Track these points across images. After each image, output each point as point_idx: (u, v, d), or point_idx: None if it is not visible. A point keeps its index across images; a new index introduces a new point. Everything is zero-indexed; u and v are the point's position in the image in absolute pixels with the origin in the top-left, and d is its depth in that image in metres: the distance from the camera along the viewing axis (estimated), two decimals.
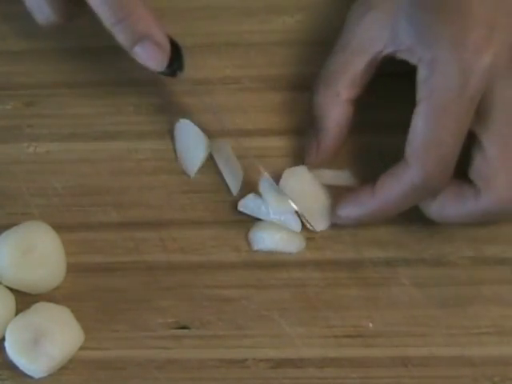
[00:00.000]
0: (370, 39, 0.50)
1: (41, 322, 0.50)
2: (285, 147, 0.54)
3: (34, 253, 0.51)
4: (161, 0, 0.56)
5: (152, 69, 0.51)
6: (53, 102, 0.56)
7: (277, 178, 0.52)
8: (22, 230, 0.51)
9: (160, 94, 0.55)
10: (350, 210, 0.50)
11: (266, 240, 0.52)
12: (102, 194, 0.54)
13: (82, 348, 0.51)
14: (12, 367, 0.50)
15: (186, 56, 0.52)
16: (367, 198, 0.49)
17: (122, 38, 0.50)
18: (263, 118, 0.55)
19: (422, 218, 0.51)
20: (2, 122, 0.56)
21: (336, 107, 0.51)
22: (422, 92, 0.47)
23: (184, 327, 0.51)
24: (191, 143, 0.54)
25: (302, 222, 0.52)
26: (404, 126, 0.48)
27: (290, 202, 0.51)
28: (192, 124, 0.54)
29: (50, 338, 0.49)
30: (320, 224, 0.52)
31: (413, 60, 0.48)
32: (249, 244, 0.52)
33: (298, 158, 0.53)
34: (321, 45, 0.55)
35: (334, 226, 0.52)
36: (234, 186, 0.53)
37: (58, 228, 0.52)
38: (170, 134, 0.55)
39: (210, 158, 0.54)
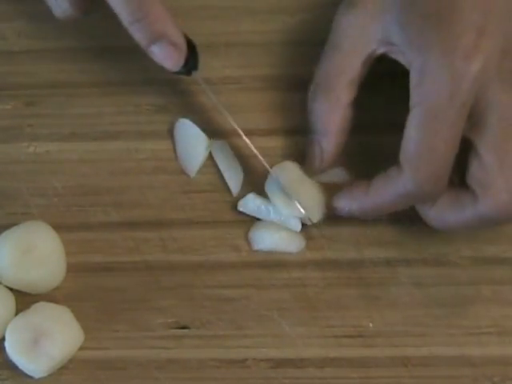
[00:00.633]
0: (363, 38, 0.49)
1: (41, 322, 0.50)
2: (285, 147, 0.54)
3: (33, 253, 0.51)
4: (161, 0, 0.56)
5: (168, 68, 0.51)
6: (53, 102, 0.56)
7: None
8: (21, 230, 0.51)
9: (160, 94, 0.55)
10: (344, 203, 0.50)
11: (266, 240, 0.52)
12: (102, 194, 0.54)
13: (82, 348, 0.51)
14: (12, 367, 0.50)
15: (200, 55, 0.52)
16: (361, 195, 0.49)
17: (139, 36, 0.51)
18: (263, 117, 0.55)
19: (422, 218, 0.51)
20: (2, 122, 0.56)
21: (337, 112, 0.51)
22: (414, 98, 0.47)
23: (184, 327, 0.51)
24: (191, 143, 0.54)
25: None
26: (403, 125, 0.48)
27: (297, 204, 0.51)
28: (192, 124, 0.54)
29: (50, 338, 0.49)
30: (313, 216, 0.52)
31: (405, 63, 0.48)
32: (249, 244, 0.52)
33: (298, 157, 0.53)
34: (321, 45, 0.54)
35: (333, 225, 0.52)
36: (234, 186, 0.53)
37: (58, 228, 0.52)
38: (170, 133, 0.55)
39: (210, 158, 0.54)
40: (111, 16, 0.50)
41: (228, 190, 0.53)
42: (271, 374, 0.50)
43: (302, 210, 0.51)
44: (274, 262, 0.52)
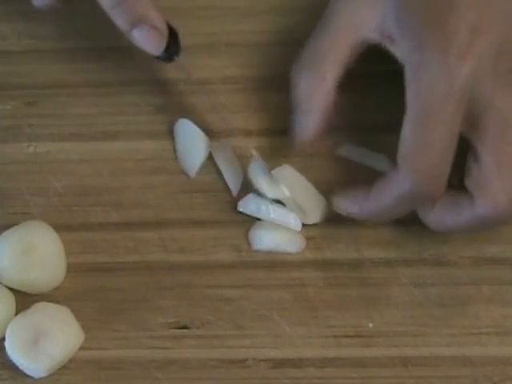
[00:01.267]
0: (355, 24, 0.49)
1: (41, 322, 0.50)
2: (285, 147, 0.54)
3: (34, 253, 0.51)
4: (161, 0, 0.56)
5: (149, 52, 0.51)
6: (53, 102, 0.56)
7: None
8: (21, 230, 0.51)
9: (160, 93, 0.55)
10: (345, 205, 0.50)
11: (266, 240, 0.52)
12: (102, 194, 0.54)
13: (82, 348, 0.51)
14: (12, 367, 0.50)
15: (181, 40, 0.52)
16: (362, 198, 0.49)
17: (119, 21, 0.50)
18: (263, 118, 0.55)
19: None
20: (2, 122, 0.56)
21: (321, 88, 0.50)
22: (409, 97, 0.47)
23: (184, 327, 0.51)
24: (191, 143, 0.54)
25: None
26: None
27: (283, 186, 0.51)
28: (192, 124, 0.54)
29: (50, 338, 0.49)
30: (314, 217, 0.52)
31: (398, 56, 0.48)
32: (249, 244, 0.52)
33: (298, 158, 0.53)
34: None
35: (333, 225, 0.52)
36: (234, 186, 0.53)
37: (58, 228, 0.52)
38: (170, 134, 0.55)
39: (210, 158, 0.54)
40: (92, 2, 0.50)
41: (228, 190, 0.53)
42: (271, 374, 0.50)
43: (286, 192, 0.51)
44: (273, 262, 0.52)
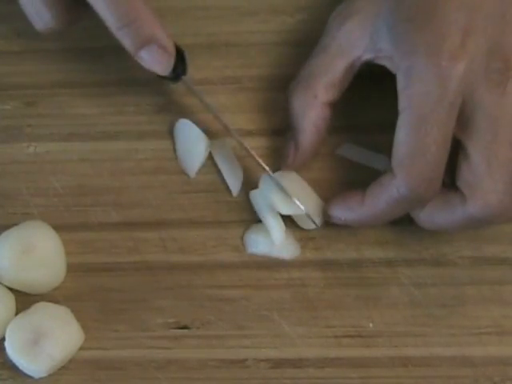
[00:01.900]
0: (350, 44, 0.50)
1: (41, 322, 0.50)
2: (284, 147, 0.54)
3: (33, 253, 0.51)
4: (161, 0, 0.56)
5: (157, 72, 0.51)
6: (53, 101, 0.56)
7: None
8: (22, 230, 0.51)
9: (160, 93, 0.55)
10: (340, 213, 0.50)
11: (260, 244, 0.52)
12: (102, 194, 0.54)
13: (82, 348, 0.51)
14: (12, 367, 0.50)
15: (188, 59, 0.52)
16: (357, 204, 0.50)
17: (127, 42, 0.50)
18: (263, 118, 0.55)
19: None
20: (2, 122, 0.56)
21: (313, 109, 0.51)
22: (402, 101, 0.47)
23: (184, 327, 0.51)
24: (191, 143, 0.54)
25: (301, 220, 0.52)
26: None
27: (297, 201, 0.51)
28: (192, 124, 0.54)
29: (50, 338, 0.49)
30: (316, 220, 0.52)
31: (391, 68, 0.48)
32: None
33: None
34: None
35: (333, 225, 0.52)
36: (234, 186, 0.53)
37: (58, 228, 0.52)
38: (170, 134, 0.55)
39: (210, 158, 0.54)
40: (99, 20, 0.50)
41: (228, 189, 0.53)
42: (271, 374, 0.50)
43: (302, 207, 0.51)
44: (274, 262, 0.52)
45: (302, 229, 0.52)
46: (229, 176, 0.53)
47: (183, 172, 0.54)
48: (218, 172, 0.54)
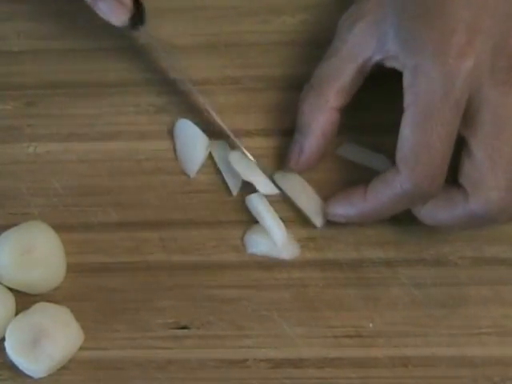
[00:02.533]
0: (360, 47, 0.50)
1: (41, 322, 0.50)
2: (285, 147, 0.54)
3: (33, 253, 0.51)
4: (161, 0, 0.56)
5: (114, 24, 0.52)
6: (53, 101, 0.56)
7: None
8: (22, 230, 0.51)
9: (160, 94, 0.55)
10: (340, 210, 0.51)
11: (260, 244, 0.52)
12: (102, 194, 0.54)
13: (81, 348, 0.51)
14: (12, 367, 0.50)
15: (147, 11, 0.53)
16: (359, 200, 0.50)
17: None
18: (263, 118, 0.55)
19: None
20: (2, 122, 0.56)
21: (323, 114, 0.51)
22: (407, 98, 0.47)
23: (184, 327, 0.51)
24: (191, 143, 0.54)
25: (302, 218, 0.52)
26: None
27: (261, 171, 0.51)
28: (192, 124, 0.54)
29: (49, 338, 0.49)
30: (317, 221, 0.52)
31: (398, 66, 0.48)
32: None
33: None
34: (321, 45, 0.54)
35: (333, 225, 0.52)
36: (234, 186, 0.53)
37: (58, 228, 0.52)
38: (170, 134, 0.55)
39: (210, 158, 0.54)
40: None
41: (228, 189, 0.53)
42: (271, 374, 0.50)
43: (265, 177, 0.51)
44: (273, 262, 0.52)
45: (302, 229, 0.52)
46: (229, 176, 0.53)
47: (183, 172, 0.54)
48: (218, 172, 0.54)
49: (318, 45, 0.55)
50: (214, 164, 0.54)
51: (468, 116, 0.47)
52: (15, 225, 0.52)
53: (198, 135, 0.54)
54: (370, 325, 0.51)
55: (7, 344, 0.50)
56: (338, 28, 0.51)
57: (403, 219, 0.51)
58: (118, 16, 0.52)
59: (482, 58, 0.46)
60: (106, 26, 0.53)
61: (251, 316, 0.51)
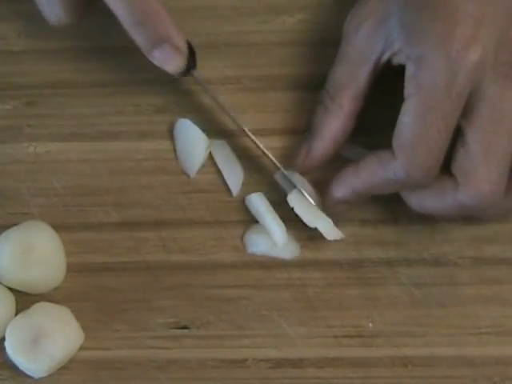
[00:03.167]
0: (369, 49, 0.50)
1: (41, 322, 0.50)
2: (285, 147, 0.54)
3: (33, 253, 0.51)
4: (161, 0, 0.56)
5: (169, 71, 0.51)
6: (53, 101, 0.56)
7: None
8: (21, 230, 0.51)
9: (160, 94, 0.55)
10: (341, 192, 0.50)
11: (260, 244, 0.52)
12: (102, 194, 0.54)
13: (82, 348, 0.51)
14: (12, 367, 0.50)
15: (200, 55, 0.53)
16: (353, 177, 0.49)
17: (140, 40, 0.50)
18: (263, 118, 0.55)
19: (422, 218, 0.51)
20: (2, 122, 0.56)
21: (337, 119, 0.51)
22: (409, 88, 0.47)
23: (184, 327, 0.51)
24: (191, 143, 0.54)
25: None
26: None
27: (321, 212, 0.51)
28: (192, 124, 0.54)
29: (50, 338, 0.49)
30: (335, 235, 0.51)
31: (402, 60, 0.48)
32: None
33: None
34: (321, 45, 0.55)
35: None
36: (234, 186, 0.53)
37: (58, 228, 0.52)
38: (170, 134, 0.55)
39: (210, 158, 0.54)
40: (111, 16, 0.50)
41: (228, 189, 0.53)
42: (271, 374, 0.50)
43: (330, 222, 0.51)
44: (273, 262, 0.52)
45: (301, 229, 0.52)
46: (229, 176, 0.53)
47: (183, 172, 0.54)
48: (218, 172, 0.54)
49: (317, 45, 0.55)
50: (214, 164, 0.54)
51: (467, 106, 0.47)
52: (15, 224, 0.52)
53: (198, 135, 0.54)
54: (370, 324, 0.51)
55: (7, 344, 0.50)
56: (343, 31, 0.51)
57: (403, 219, 0.51)
58: (174, 64, 0.51)
59: (485, 51, 0.46)
60: (106, 26, 0.53)
61: (251, 316, 0.51)
